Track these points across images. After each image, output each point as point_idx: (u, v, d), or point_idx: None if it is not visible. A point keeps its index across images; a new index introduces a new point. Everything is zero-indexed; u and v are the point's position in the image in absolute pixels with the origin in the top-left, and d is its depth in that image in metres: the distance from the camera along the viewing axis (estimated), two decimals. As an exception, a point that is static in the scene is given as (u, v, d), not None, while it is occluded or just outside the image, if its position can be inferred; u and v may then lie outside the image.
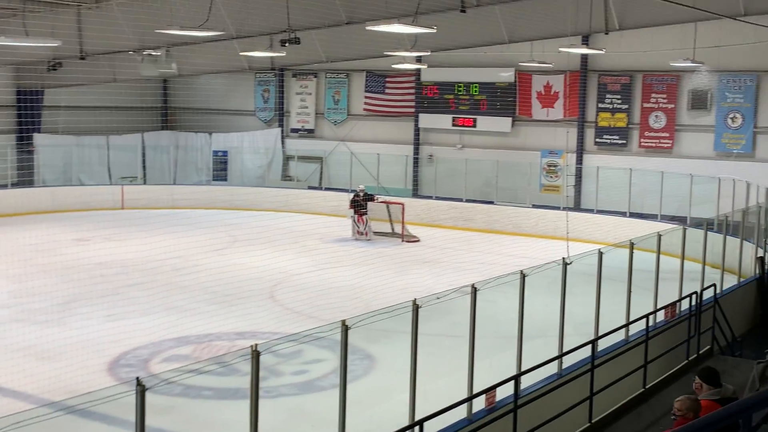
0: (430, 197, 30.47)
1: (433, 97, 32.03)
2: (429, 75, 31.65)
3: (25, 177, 30.83)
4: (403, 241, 25.89)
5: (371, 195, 26.79)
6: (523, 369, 9.71)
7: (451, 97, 31.64)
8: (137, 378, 5.95)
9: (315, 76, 35.07)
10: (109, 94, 31.38)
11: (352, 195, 26.90)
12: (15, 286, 18.50)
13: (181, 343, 14.86)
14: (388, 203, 26.79)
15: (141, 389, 5.89)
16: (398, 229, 26.35)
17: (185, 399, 11.92)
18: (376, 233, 26.43)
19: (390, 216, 26.62)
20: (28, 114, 30.53)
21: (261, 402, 6.96)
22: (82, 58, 25.17)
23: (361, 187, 27.12)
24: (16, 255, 19.97)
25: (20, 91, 31.29)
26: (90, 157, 33.51)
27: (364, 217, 26.18)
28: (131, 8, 22.45)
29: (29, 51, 23.81)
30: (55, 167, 32.37)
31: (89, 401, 6.00)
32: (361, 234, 26.10)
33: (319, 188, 33.49)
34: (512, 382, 9.26)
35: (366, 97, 33.79)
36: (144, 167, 34.62)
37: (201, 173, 35.40)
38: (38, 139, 31.68)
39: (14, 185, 30.25)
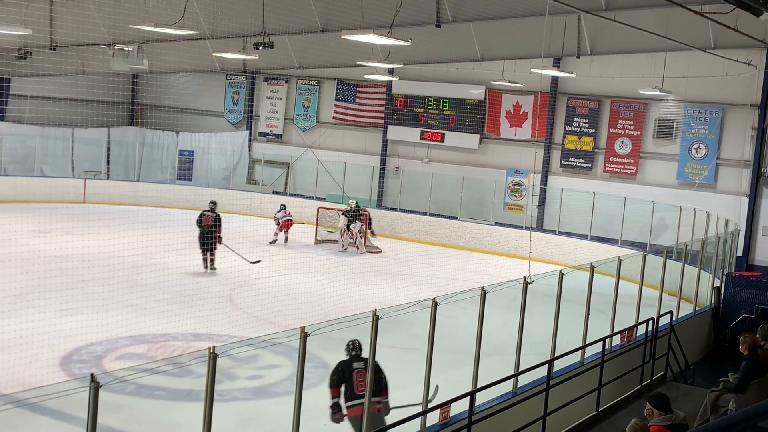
0: (394, 209, 30.54)
1: (402, 110, 32.09)
2: (400, 87, 31.72)
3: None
4: (365, 251, 25.85)
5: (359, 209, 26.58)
6: (478, 385, 9.74)
7: (421, 110, 31.74)
8: (92, 374, 5.87)
9: (286, 82, 35.02)
10: (78, 86, 31.01)
11: (347, 208, 26.55)
12: (-31, 275, 18.19)
13: (136, 341, 14.73)
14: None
15: (95, 386, 5.80)
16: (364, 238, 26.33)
17: (136, 398, 11.80)
18: (327, 241, 26.79)
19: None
20: (-7, 101, 30.23)
21: (214, 405, 6.91)
22: (53, 49, 24.94)
23: (352, 201, 26.91)
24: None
25: (-14, 78, 30.95)
26: (54, 148, 33.15)
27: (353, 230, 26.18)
28: (105, 1, 22.28)
29: (-2, 38, 23.55)
30: (17, 157, 31.98)
31: (40, 395, 5.90)
32: (354, 246, 25.97)
33: (284, 194, 33.37)
34: (467, 398, 9.28)
35: (336, 106, 33.79)
36: (108, 162, 34.31)
37: (166, 172, 35.16)
38: (2, 127, 31.30)
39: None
